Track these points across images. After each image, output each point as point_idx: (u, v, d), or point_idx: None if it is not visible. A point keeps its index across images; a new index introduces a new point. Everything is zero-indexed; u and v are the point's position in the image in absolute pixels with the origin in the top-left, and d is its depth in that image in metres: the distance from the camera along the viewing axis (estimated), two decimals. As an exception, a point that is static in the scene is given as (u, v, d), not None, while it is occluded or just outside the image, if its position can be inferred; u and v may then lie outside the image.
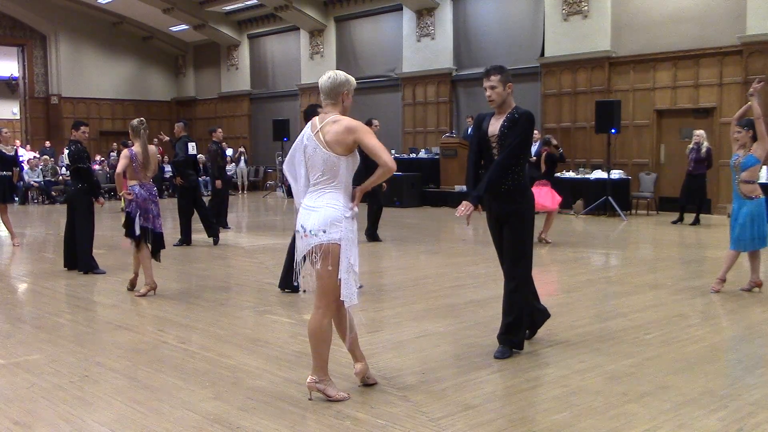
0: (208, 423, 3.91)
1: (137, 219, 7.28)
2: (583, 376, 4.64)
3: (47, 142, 25.87)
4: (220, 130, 13.99)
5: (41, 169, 21.62)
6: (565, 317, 6.33)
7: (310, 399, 4.19)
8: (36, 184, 21.30)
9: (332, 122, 4.11)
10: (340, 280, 4.07)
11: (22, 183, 19.86)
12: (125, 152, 7.30)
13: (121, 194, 7.26)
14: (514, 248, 5.07)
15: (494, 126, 5.09)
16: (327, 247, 4.05)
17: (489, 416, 3.96)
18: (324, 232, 4.03)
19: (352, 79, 4.25)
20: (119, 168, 7.30)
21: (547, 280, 8.35)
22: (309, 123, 4.25)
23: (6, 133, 11.81)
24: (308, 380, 4.20)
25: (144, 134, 7.41)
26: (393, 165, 4.05)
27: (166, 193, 21.53)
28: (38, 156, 22.73)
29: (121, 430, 3.84)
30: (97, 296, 7.72)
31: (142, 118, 7.62)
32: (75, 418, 4.01)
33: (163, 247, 7.71)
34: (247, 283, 8.26)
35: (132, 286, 7.66)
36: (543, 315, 5.53)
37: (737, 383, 4.52)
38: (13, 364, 5.06)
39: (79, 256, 8.89)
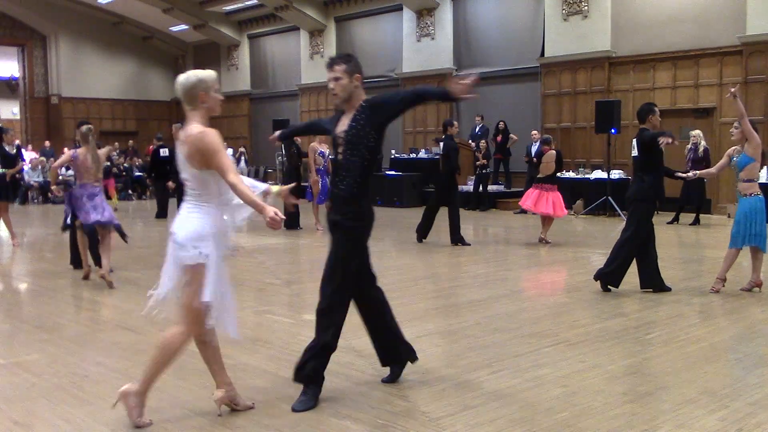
0: (208, 423, 3.91)
1: (69, 214, 8.13)
2: (583, 376, 4.63)
3: (47, 142, 25.85)
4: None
5: (41, 169, 21.60)
6: (565, 317, 6.33)
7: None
8: (36, 184, 21.28)
9: (186, 135, 3.78)
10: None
11: (22, 183, 19.84)
12: (68, 153, 8.06)
13: (52, 188, 8.99)
14: (330, 263, 4.23)
15: (342, 123, 4.37)
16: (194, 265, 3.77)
17: (489, 416, 3.96)
18: (194, 247, 3.74)
19: (208, 75, 3.84)
20: (56, 163, 8.70)
21: (547, 280, 8.35)
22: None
23: (12, 135, 12.18)
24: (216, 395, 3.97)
25: (92, 140, 7.99)
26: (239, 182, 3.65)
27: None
28: (37, 157, 22.70)
29: (121, 430, 3.84)
30: (97, 296, 7.71)
31: (90, 126, 8.15)
32: (75, 418, 4.01)
33: (125, 234, 8.25)
34: (247, 283, 8.25)
35: (86, 276, 8.19)
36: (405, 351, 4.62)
37: (737, 383, 4.52)
38: (13, 364, 5.06)
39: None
